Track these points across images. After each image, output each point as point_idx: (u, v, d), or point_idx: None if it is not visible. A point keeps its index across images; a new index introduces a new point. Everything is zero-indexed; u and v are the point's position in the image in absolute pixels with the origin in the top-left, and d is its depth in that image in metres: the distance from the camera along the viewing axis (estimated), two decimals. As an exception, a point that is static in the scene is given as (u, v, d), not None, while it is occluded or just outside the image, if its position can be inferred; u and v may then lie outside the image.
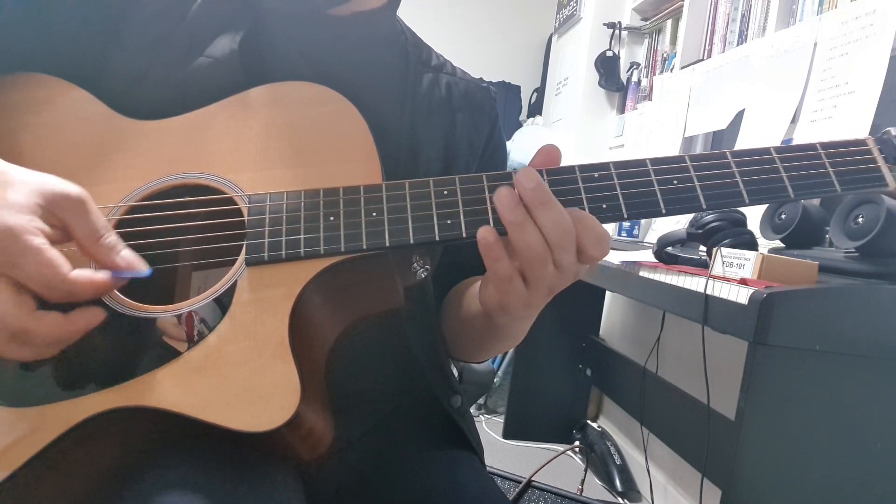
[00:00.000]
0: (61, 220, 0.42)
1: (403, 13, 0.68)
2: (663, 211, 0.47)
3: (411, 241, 0.47)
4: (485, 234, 0.45)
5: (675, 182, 0.47)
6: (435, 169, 0.64)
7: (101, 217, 0.43)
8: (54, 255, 0.39)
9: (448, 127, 0.67)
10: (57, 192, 0.41)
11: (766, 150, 0.48)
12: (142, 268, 0.44)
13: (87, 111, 0.54)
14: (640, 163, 0.48)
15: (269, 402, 0.42)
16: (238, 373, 0.43)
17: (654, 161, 0.48)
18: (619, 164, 0.48)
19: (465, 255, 0.68)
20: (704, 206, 0.47)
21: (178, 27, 0.57)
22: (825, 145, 0.49)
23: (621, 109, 2.46)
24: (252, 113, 0.53)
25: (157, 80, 0.55)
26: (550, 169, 0.48)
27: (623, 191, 0.47)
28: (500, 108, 0.74)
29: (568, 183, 0.47)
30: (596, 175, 0.48)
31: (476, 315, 0.60)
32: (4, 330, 0.38)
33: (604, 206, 0.47)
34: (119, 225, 0.50)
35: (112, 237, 0.43)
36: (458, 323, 0.66)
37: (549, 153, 0.49)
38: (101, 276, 0.42)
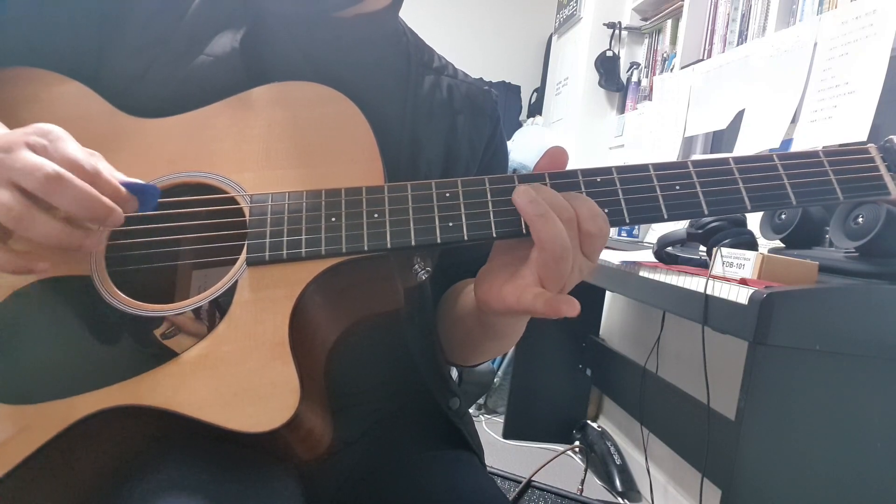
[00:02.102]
0: (50, 146, 0.43)
1: (404, 13, 0.68)
2: (665, 216, 0.47)
3: (413, 243, 0.47)
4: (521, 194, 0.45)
5: (678, 188, 0.47)
6: (435, 170, 0.64)
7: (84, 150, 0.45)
8: (88, 153, 0.43)
9: (449, 129, 0.67)
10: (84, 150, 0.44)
11: (768, 157, 0.48)
12: (151, 184, 0.46)
13: (89, 108, 0.53)
14: (643, 168, 0.48)
15: (269, 402, 0.42)
16: (237, 373, 0.43)
17: (657, 166, 0.48)
18: (622, 169, 0.48)
19: (462, 258, 0.68)
20: (706, 213, 0.47)
21: (177, 26, 0.57)
22: (828, 152, 0.49)
23: (621, 109, 2.46)
24: (254, 112, 0.53)
25: (158, 78, 0.55)
26: (553, 173, 0.48)
27: (625, 196, 0.47)
28: (500, 108, 0.74)
29: (570, 187, 0.47)
30: (598, 180, 0.48)
31: (470, 314, 0.59)
32: (36, 178, 0.39)
33: (606, 210, 0.47)
34: None
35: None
36: (451, 324, 0.66)
37: (555, 155, 0.49)
38: (117, 183, 0.44)
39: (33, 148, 0.41)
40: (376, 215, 0.47)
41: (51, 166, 0.40)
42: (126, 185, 0.44)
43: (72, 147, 0.42)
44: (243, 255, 0.47)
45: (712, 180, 0.47)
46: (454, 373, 0.73)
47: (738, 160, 0.48)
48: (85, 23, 0.56)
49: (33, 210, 0.40)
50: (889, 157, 0.48)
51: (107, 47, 0.56)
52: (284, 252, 0.47)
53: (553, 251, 0.44)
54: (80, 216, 0.42)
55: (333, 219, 0.47)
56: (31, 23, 0.55)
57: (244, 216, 0.48)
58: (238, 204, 0.49)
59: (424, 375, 0.64)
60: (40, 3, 0.55)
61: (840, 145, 0.50)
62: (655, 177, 0.48)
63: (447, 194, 0.47)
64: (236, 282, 0.46)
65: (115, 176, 0.44)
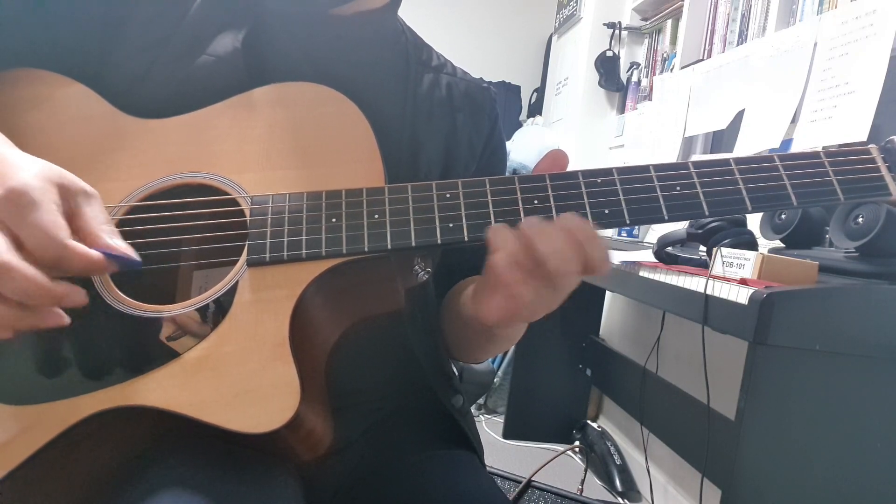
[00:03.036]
0: (72, 205, 0.41)
1: (403, 13, 0.68)
2: (666, 217, 0.47)
3: (413, 244, 0.47)
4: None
5: (678, 189, 0.47)
6: (435, 169, 0.64)
7: (107, 215, 0.43)
8: (61, 220, 0.39)
9: (449, 127, 0.67)
10: (77, 182, 0.42)
11: (769, 158, 0.48)
12: (134, 256, 0.42)
13: (90, 109, 0.53)
14: (644, 169, 0.48)
15: (269, 403, 0.42)
16: (238, 373, 0.43)
17: (658, 167, 0.48)
18: (622, 170, 0.48)
19: (464, 258, 0.68)
20: (707, 213, 0.47)
21: (178, 26, 0.57)
22: (829, 153, 0.49)
23: (621, 109, 2.46)
24: (255, 113, 0.53)
25: (160, 78, 0.55)
26: (554, 174, 0.48)
27: (626, 196, 0.47)
28: (500, 108, 0.74)
29: (571, 188, 0.47)
30: (599, 181, 0.48)
31: (471, 316, 0.59)
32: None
33: (606, 211, 0.47)
34: (121, 224, 0.50)
35: (114, 228, 0.43)
36: (454, 324, 0.66)
37: (556, 157, 0.49)
38: (95, 253, 0.40)
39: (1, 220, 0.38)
40: (377, 216, 0.47)
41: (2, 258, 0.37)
42: (107, 253, 0.41)
43: (43, 218, 0.38)
44: (244, 256, 0.47)
45: (713, 181, 0.47)
46: (455, 371, 0.73)
47: (738, 161, 0.48)
48: (87, 24, 0.56)
49: None
50: (890, 158, 0.48)
51: (109, 48, 0.56)
52: (285, 253, 0.47)
53: (555, 263, 0.43)
54: (29, 304, 0.39)
55: (334, 219, 0.47)
56: (33, 24, 0.55)
57: (245, 217, 0.48)
58: (239, 205, 0.49)
59: (428, 374, 0.64)
60: (42, 4, 0.55)
61: (841, 146, 0.50)
62: (656, 177, 0.48)
63: (447, 195, 0.48)
64: (237, 282, 0.46)
65: (99, 237, 0.41)
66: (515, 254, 0.43)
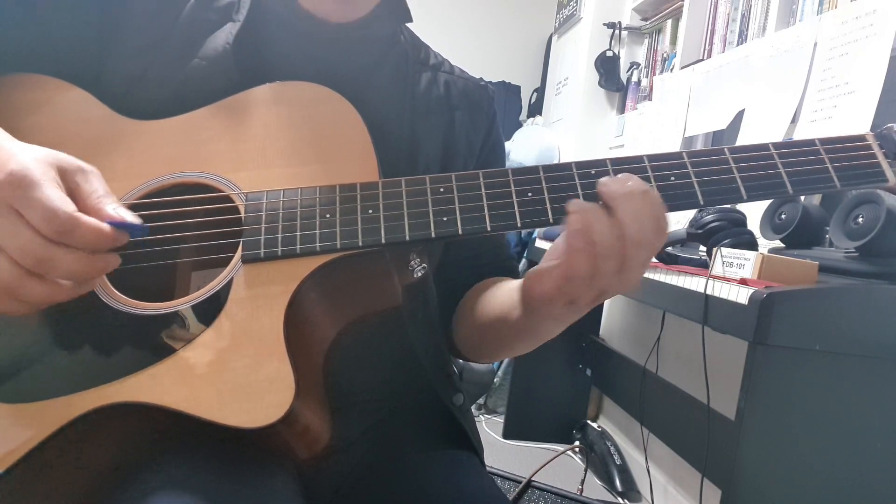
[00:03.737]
0: (71, 184, 0.41)
1: (403, 13, 0.68)
2: None
3: (407, 239, 0.47)
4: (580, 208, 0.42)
5: (673, 178, 0.47)
6: (433, 167, 0.64)
7: (107, 188, 0.43)
8: (66, 196, 0.39)
9: (447, 125, 0.67)
10: (73, 161, 0.42)
11: (764, 146, 0.48)
12: (138, 220, 0.43)
13: (87, 111, 0.54)
14: (637, 160, 0.48)
15: (264, 398, 0.42)
16: (233, 369, 0.43)
17: (651, 158, 0.48)
18: (616, 162, 0.48)
19: (464, 254, 0.68)
20: (702, 203, 0.46)
21: (172, 28, 0.57)
22: (824, 141, 0.48)
23: (621, 109, 2.46)
24: (251, 112, 0.53)
25: (157, 81, 0.56)
26: (547, 166, 0.48)
27: None
28: (499, 107, 0.74)
29: (565, 180, 0.47)
30: (593, 172, 0.47)
31: (506, 312, 0.57)
32: (28, 256, 0.38)
33: (601, 202, 0.46)
34: None
35: (115, 199, 0.43)
36: (479, 315, 0.63)
37: None
38: (104, 224, 0.41)
39: (9, 205, 0.38)
40: (371, 211, 0.47)
41: (37, 248, 0.38)
42: (112, 222, 0.41)
43: (46, 194, 0.38)
44: (239, 253, 0.47)
45: (707, 170, 0.47)
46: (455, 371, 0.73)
47: (733, 150, 0.48)
48: (84, 29, 0.56)
49: (25, 280, 0.39)
50: (886, 145, 0.48)
51: (106, 52, 0.56)
52: (279, 249, 0.47)
53: (569, 276, 0.43)
54: (75, 280, 0.41)
55: (328, 215, 0.47)
56: (31, 30, 0.55)
57: (240, 214, 0.48)
58: (234, 202, 0.49)
59: (429, 372, 0.64)
60: (40, 9, 0.55)
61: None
62: (650, 168, 0.47)
63: (441, 189, 0.47)
64: (232, 279, 0.46)
65: (102, 208, 0.41)
66: (593, 217, 0.42)
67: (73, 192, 0.41)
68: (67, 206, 0.39)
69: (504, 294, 0.59)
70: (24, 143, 0.42)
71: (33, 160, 0.39)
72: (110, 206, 0.42)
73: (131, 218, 0.42)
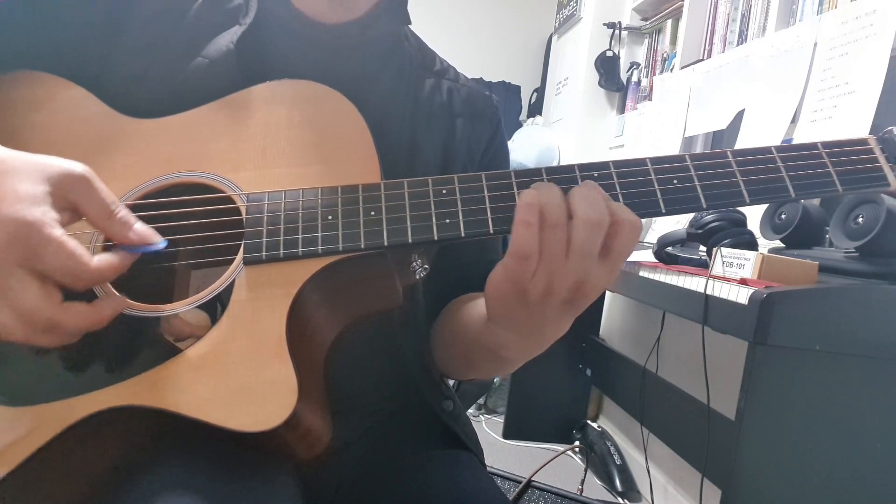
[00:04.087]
0: (71, 201, 0.41)
1: (403, 13, 0.68)
2: (663, 210, 0.46)
3: (409, 241, 0.46)
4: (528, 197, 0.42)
5: (676, 182, 0.47)
6: (432, 172, 0.64)
7: (108, 192, 0.42)
8: (74, 245, 0.39)
9: (448, 132, 0.66)
10: (62, 172, 0.41)
11: (767, 150, 0.48)
12: (156, 239, 0.43)
13: (86, 110, 0.54)
14: (640, 162, 0.48)
15: (267, 401, 0.42)
16: (235, 372, 0.43)
17: (654, 160, 0.47)
18: (619, 164, 0.48)
19: (459, 261, 0.68)
20: (705, 206, 0.46)
21: (176, 28, 0.57)
22: (826, 144, 0.48)
23: (621, 109, 2.46)
24: (251, 111, 0.53)
25: (157, 80, 0.56)
26: (550, 168, 0.48)
27: (623, 190, 0.47)
28: (499, 108, 0.74)
29: (567, 182, 0.47)
30: (595, 174, 0.47)
31: (473, 328, 0.57)
32: (35, 324, 0.38)
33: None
34: None
35: (123, 211, 0.43)
36: (451, 336, 0.64)
37: None
38: (119, 257, 0.41)
39: (18, 265, 0.38)
40: (373, 213, 0.47)
41: (43, 314, 0.38)
42: (134, 249, 0.42)
43: (60, 251, 0.38)
44: (240, 255, 0.47)
45: (710, 173, 0.47)
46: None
47: (736, 153, 0.48)
48: (88, 27, 0.56)
49: (38, 335, 0.39)
50: (888, 149, 0.48)
51: (109, 50, 0.56)
52: (281, 251, 0.47)
53: (516, 252, 0.42)
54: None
55: (330, 217, 0.47)
56: (35, 28, 0.55)
57: (241, 215, 0.48)
58: (235, 203, 0.49)
59: (417, 378, 0.64)
60: (45, 7, 0.55)
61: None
62: (653, 171, 0.47)
63: (444, 191, 0.47)
64: (233, 281, 0.46)
65: (108, 226, 0.42)
66: (546, 192, 0.42)
67: (74, 205, 0.41)
68: (83, 258, 0.39)
69: (474, 305, 0.59)
70: (10, 157, 0.40)
71: (24, 203, 0.38)
72: (122, 226, 0.42)
73: (153, 238, 0.43)
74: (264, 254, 0.47)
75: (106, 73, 0.56)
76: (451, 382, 0.78)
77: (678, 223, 1.53)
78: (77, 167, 0.41)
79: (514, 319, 0.47)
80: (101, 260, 0.40)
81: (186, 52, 0.57)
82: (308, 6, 0.59)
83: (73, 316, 0.40)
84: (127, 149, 0.52)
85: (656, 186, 0.47)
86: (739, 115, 1.53)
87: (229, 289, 0.46)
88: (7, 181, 0.39)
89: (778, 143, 1.35)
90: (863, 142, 0.48)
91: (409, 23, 0.67)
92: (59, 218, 0.39)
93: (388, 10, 0.64)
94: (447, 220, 0.47)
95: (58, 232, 0.38)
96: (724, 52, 1.75)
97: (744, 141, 1.49)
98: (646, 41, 2.40)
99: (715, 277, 0.91)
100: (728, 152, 0.48)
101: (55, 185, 0.40)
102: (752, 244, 1.03)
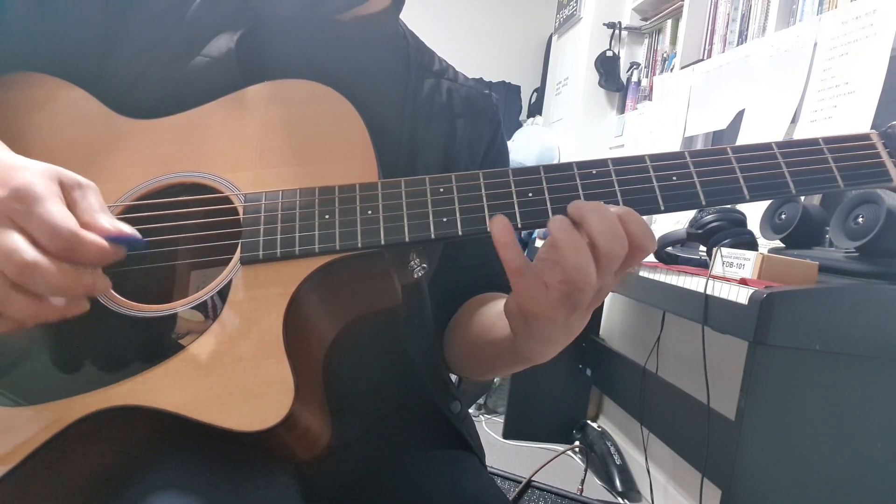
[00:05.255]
0: (72, 197, 0.41)
1: (404, 13, 0.68)
2: (662, 208, 0.46)
3: (406, 240, 0.46)
4: (498, 224, 0.42)
5: (675, 178, 0.46)
6: (433, 173, 0.64)
7: (104, 204, 0.43)
8: (69, 212, 0.39)
9: (448, 133, 0.66)
10: (73, 176, 0.42)
11: (767, 146, 0.47)
12: (137, 235, 0.42)
13: (85, 111, 0.54)
14: (639, 159, 0.47)
15: (263, 401, 0.42)
16: (232, 372, 0.43)
17: (653, 157, 0.47)
18: (618, 161, 0.47)
19: (462, 263, 0.68)
20: (704, 203, 0.46)
21: (176, 28, 0.57)
22: (828, 140, 0.47)
23: (621, 109, 2.46)
24: (249, 111, 0.53)
25: (156, 79, 0.56)
26: (547, 166, 0.47)
27: (621, 188, 0.46)
28: (499, 108, 0.73)
29: (565, 180, 0.47)
30: (594, 172, 0.47)
31: (496, 328, 0.57)
32: (12, 264, 0.37)
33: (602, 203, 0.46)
34: None
35: (110, 214, 0.43)
36: (471, 337, 0.63)
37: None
38: (105, 241, 0.41)
39: (10, 219, 0.38)
40: (370, 212, 0.47)
41: (23, 255, 0.37)
42: (111, 238, 0.41)
43: (50, 210, 0.38)
44: (237, 254, 0.47)
45: (709, 170, 0.46)
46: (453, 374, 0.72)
47: (735, 149, 0.47)
48: (88, 28, 0.56)
49: (10, 293, 0.38)
50: (891, 144, 0.47)
51: (109, 51, 0.56)
52: (278, 250, 0.46)
53: (574, 267, 0.41)
54: (61, 296, 0.40)
55: (327, 216, 0.47)
56: (35, 29, 0.55)
57: (238, 215, 0.48)
58: (232, 203, 0.49)
59: (425, 378, 0.64)
60: (45, 8, 0.55)
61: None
62: (651, 168, 0.47)
63: (441, 189, 0.47)
64: (231, 281, 0.46)
65: (99, 223, 0.41)
66: (564, 233, 0.41)
67: (71, 206, 0.41)
68: (70, 222, 0.39)
69: (494, 314, 0.58)
70: (26, 158, 0.42)
71: (37, 174, 0.39)
72: (107, 220, 0.42)
73: (129, 230, 0.42)
74: (261, 253, 0.46)
75: (106, 74, 0.56)
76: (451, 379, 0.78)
77: (678, 223, 1.52)
78: (87, 180, 0.42)
79: (541, 334, 0.48)
80: (87, 231, 0.40)
81: (186, 52, 0.57)
82: None
83: (53, 264, 0.38)
84: (125, 149, 0.52)
85: (655, 183, 0.46)
86: (739, 115, 1.53)
87: (226, 288, 0.46)
88: (26, 161, 0.41)
89: (778, 142, 1.35)
90: (865, 137, 0.47)
91: (400, 11, 0.67)
92: (60, 195, 0.40)
93: (389, 8, 0.64)
94: (444, 219, 0.46)
95: (56, 197, 0.39)
96: (724, 52, 1.75)
97: (744, 141, 1.49)
98: (646, 41, 2.40)
99: (715, 277, 0.91)
100: (728, 148, 0.47)
101: (63, 180, 0.41)
102: (752, 244, 1.03)
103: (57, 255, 0.38)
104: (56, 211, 0.38)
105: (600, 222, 0.41)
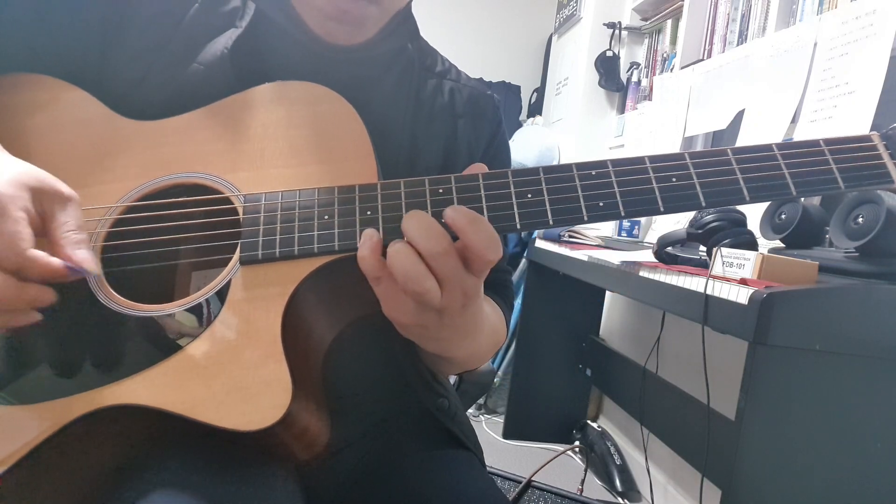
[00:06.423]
0: (46, 209, 0.42)
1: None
2: (661, 209, 0.46)
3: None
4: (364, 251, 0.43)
5: (674, 179, 0.46)
6: (433, 174, 0.64)
7: (81, 220, 0.44)
8: (24, 229, 0.40)
9: (449, 133, 0.66)
10: (51, 184, 0.42)
11: (767, 147, 0.47)
12: (92, 268, 0.43)
13: (87, 112, 0.54)
14: (639, 160, 0.47)
15: (261, 400, 0.42)
16: (230, 371, 0.43)
17: (653, 158, 0.47)
18: (617, 162, 0.47)
19: None
20: (704, 204, 0.45)
21: (174, 31, 0.57)
22: (828, 141, 0.47)
23: (621, 109, 2.46)
24: (249, 113, 0.53)
25: (156, 83, 0.56)
26: (546, 167, 0.47)
27: (620, 189, 0.46)
28: (501, 107, 0.73)
29: (565, 181, 0.47)
30: (593, 173, 0.47)
31: None
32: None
33: (601, 203, 0.46)
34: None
35: (82, 236, 0.43)
36: None
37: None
38: (56, 262, 0.41)
39: None
40: (369, 212, 0.47)
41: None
42: (67, 266, 0.42)
43: (4, 227, 0.39)
44: (237, 255, 0.47)
45: (710, 171, 0.46)
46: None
47: (736, 150, 0.47)
48: (87, 30, 0.56)
49: None
50: (893, 146, 0.46)
51: (108, 53, 0.56)
52: (277, 250, 0.46)
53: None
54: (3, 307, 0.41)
55: (326, 217, 0.47)
56: (34, 30, 0.55)
57: (238, 216, 0.48)
58: (232, 204, 0.49)
59: (408, 377, 0.64)
60: (43, 9, 0.55)
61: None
62: (651, 169, 0.46)
63: (440, 190, 0.47)
64: (229, 281, 0.46)
65: (62, 246, 0.42)
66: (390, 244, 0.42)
67: (45, 216, 0.42)
68: (19, 245, 0.39)
69: None
70: (10, 160, 0.42)
71: (6, 183, 0.39)
72: (72, 244, 0.42)
73: (88, 265, 0.42)
74: (260, 253, 0.47)
75: (106, 76, 0.56)
76: (451, 379, 0.78)
77: (678, 223, 1.53)
78: (67, 189, 0.43)
79: (428, 337, 0.48)
80: (37, 252, 0.40)
81: (185, 55, 0.57)
82: (316, 24, 0.58)
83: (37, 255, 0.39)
84: (127, 150, 0.52)
85: (655, 185, 0.46)
86: (739, 115, 1.53)
87: (225, 288, 0.46)
88: (4, 165, 0.41)
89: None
90: (866, 138, 0.47)
91: (419, 37, 0.67)
92: (28, 209, 0.40)
93: (396, 30, 0.63)
94: (443, 220, 0.46)
95: (18, 213, 0.40)
96: (724, 52, 1.75)
97: (744, 141, 1.49)
98: (646, 41, 2.40)
99: (715, 277, 0.91)
100: (728, 150, 0.47)
101: (39, 189, 0.41)
102: (752, 244, 1.03)
103: (7, 270, 0.39)
104: (9, 230, 0.39)
105: (412, 224, 0.42)
